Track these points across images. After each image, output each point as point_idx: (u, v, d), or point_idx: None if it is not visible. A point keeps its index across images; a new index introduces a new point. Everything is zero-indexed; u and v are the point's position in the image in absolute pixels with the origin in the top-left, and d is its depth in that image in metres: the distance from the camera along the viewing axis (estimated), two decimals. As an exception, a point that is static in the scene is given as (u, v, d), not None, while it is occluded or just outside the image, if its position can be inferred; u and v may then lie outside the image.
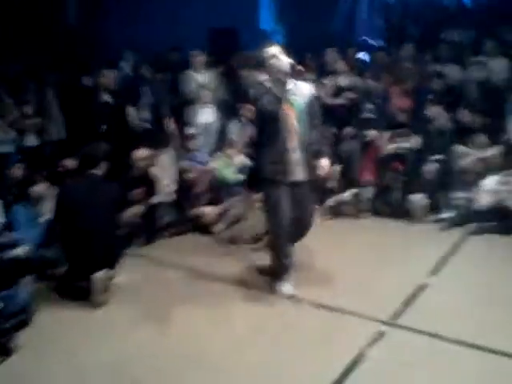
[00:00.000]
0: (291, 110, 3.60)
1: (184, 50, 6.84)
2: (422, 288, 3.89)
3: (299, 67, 3.58)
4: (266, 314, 3.60)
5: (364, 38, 9.17)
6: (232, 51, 7.35)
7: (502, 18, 7.63)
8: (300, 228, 3.82)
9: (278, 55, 3.55)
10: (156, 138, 5.64)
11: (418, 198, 5.28)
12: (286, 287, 3.84)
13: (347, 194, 5.51)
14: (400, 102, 5.98)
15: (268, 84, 3.62)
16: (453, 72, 6.44)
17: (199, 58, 6.38)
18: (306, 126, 3.66)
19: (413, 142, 5.67)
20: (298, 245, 3.93)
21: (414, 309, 3.62)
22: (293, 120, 3.60)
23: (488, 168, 5.22)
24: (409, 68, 6.43)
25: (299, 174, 3.68)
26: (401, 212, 5.34)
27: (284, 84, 3.58)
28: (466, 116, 5.58)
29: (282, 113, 3.57)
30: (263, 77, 3.71)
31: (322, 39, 7.61)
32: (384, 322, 3.43)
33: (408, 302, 3.69)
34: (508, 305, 3.61)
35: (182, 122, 6.16)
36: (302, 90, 3.66)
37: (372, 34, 9.26)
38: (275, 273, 3.90)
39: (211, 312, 3.66)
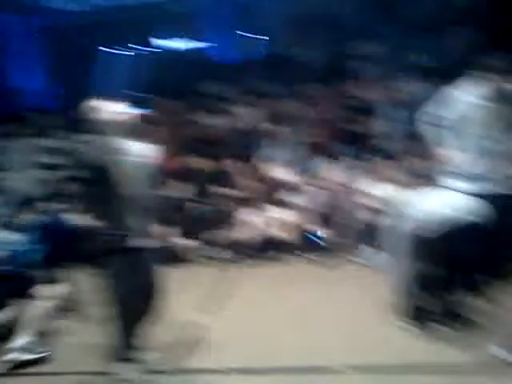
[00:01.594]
0: (123, 169, 3.18)
1: None
2: (203, 329, 3.93)
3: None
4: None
5: (127, 91, 9.27)
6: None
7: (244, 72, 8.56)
8: (147, 300, 3.38)
9: (104, 108, 3.21)
10: None
11: (186, 241, 5.52)
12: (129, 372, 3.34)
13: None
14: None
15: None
16: (208, 121, 6.95)
17: None
18: (145, 189, 3.30)
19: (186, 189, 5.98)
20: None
21: (197, 351, 3.66)
22: (126, 179, 3.20)
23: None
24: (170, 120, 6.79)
25: (140, 239, 3.29)
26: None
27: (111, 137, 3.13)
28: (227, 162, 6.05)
29: (114, 167, 3.13)
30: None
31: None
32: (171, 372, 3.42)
33: (183, 344, 3.75)
34: (287, 322, 3.91)
35: None
36: (139, 151, 3.25)
37: (132, 88, 9.37)
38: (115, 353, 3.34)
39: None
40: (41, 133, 6.66)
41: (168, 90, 7.55)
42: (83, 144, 3.22)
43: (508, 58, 3.42)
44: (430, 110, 3.74)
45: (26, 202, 5.58)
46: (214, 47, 10.90)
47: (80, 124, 3.43)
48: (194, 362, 3.51)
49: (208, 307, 4.31)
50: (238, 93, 7.29)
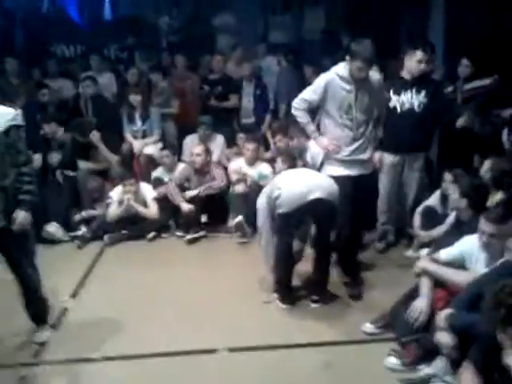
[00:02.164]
0: None
1: None
2: (63, 314, 3.68)
3: None
4: None
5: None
6: None
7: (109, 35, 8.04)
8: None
9: None
10: None
11: (54, 225, 5.00)
12: None
13: None
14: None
15: None
16: (64, 87, 6.40)
17: None
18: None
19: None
20: None
21: (57, 340, 3.37)
22: None
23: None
24: (16, 83, 6.07)
25: None
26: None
27: None
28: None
29: None
30: None
31: None
32: (24, 364, 3.10)
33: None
34: (154, 303, 3.79)
35: None
36: None
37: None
38: None
39: None
40: None
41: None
42: None
43: (374, 46, 3.58)
44: (303, 93, 3.81)
45: None
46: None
47: None
48: (66, 352, 3.25)
49: (71, 289, 4.04)
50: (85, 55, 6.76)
